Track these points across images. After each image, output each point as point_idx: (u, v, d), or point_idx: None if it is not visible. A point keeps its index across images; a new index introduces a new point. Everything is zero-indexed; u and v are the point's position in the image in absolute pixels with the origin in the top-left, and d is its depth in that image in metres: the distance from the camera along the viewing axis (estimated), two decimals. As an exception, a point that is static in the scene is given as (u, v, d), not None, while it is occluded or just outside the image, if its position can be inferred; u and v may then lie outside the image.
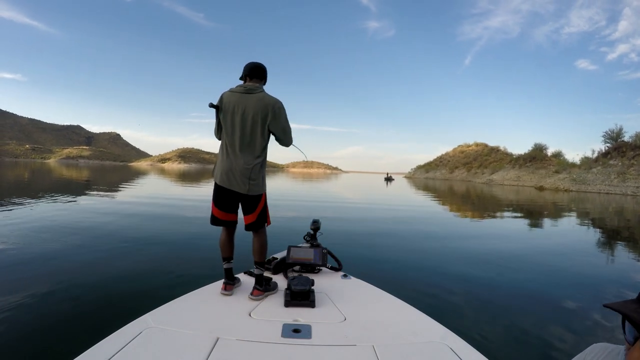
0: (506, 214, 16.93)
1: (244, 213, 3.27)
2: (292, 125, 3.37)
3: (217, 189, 3.24)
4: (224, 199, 3.22)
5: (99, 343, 2.12)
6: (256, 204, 3.24)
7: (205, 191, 21.86)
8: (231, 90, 3.23)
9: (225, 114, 3.17)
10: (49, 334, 3.22)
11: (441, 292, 4.96)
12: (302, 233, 4.42)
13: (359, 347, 2.30)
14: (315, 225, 4.33)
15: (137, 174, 50.41)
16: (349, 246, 7.46)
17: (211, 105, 3.19)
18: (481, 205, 21.97)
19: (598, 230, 12.59)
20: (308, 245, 4.18)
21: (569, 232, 11.97)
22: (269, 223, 3.40)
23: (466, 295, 4.93)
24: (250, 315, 2.73)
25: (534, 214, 16.82)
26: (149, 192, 21.28)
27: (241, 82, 3.36)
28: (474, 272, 5.95)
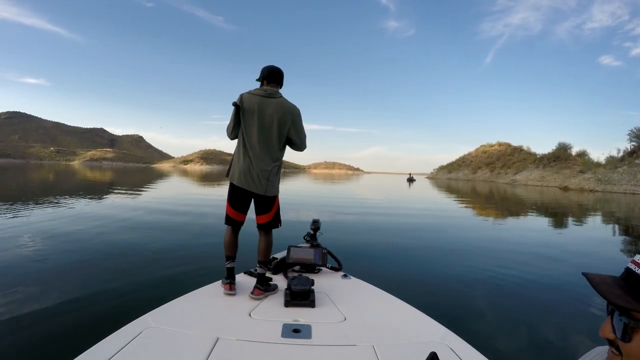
0: (526, 215, 16.58)
1: (258, 213, 3.32)
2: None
3: (233, 189, 3.29)
4: (239, 199, 3.28)
5: (99, 343, 2.12)
6: (272, 204, 3.32)
7: (217, 192, 21.95)
8: (250, 93, 3.27)
9: (245, 114, 3.20)
10: (48, 334, 3.23)
11: (442, 292, 4.95)
12: (302, 233, 4.41)
13: (359, 347, 2.29)
14: (315, 225, 4.31)
15: (160, 175, 50.88)
16: (349, 246, 7.44)
17: (235, 104, 3.21)
18: (502, 206, 21.48)
19: (625, 231, 12.24)
20: (308, 245, 4.17)
21: (594, 234, 11.55)
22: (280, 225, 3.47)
23: (467, 295, 4.91)
24: (250, 315, 2.73)
25: (557, 216, 16.41)
26: (167, 193, 21.32)
27: (258, 83, 3.42)
28: (477, 273, 5.92)
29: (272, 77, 3.33)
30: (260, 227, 3.32)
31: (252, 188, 3.19)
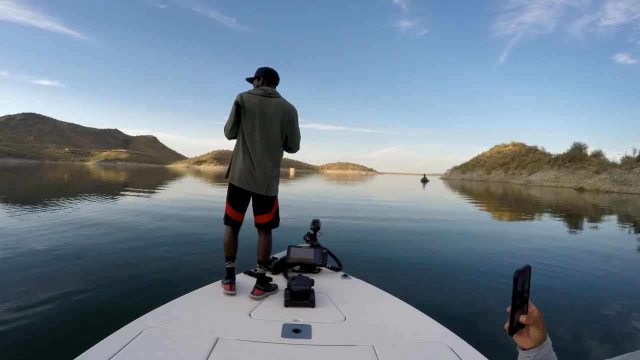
0: (540, 217, 16.05)
1: (258, 213, 3.32)
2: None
3: (233, 190, 3.29)
4: (239, 199, 3.28)
5: (99, 343, 2.13)
6: (272, 204, 3.33)
7: (224, 192, 21.91)
8: (250, 93, 3.28)
9: (247, 114, 3.21)
10: (48, 334, 3.23)
11: (442, 292, 4.94)
12: (302, 233, 4.42)
13: (359, 347, 2.29)
14: (315, 225, 4.32)
15: (173, 176, 50.78)
16: (349, 246, 7.43)
17: (236, 103, 3.21)
18: (517, 207, 20.88)
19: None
20: (308, 245, 4.18)
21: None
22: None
23: (468, 295, 4.88)
24: (250, 315, 2.73)
25: (572, 217, 15.76)
26: (174, 193, 21.15)
27: (249, 81, 3.47)
28: (479, 273, 5.91)
29: (269, 78, 3.36)
30: (260, 227, 3.32)
31: (253, 188, 3.20)
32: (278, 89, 3.44)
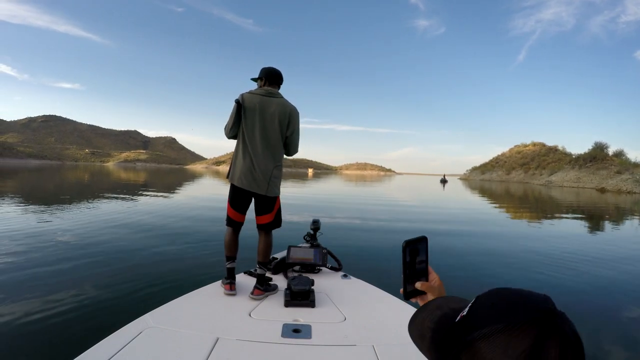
0: (560, 218, 15.63)
1: (259, 213, 3.31)
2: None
3: (235, 191, 3.28)
4: (240, 200, 3.27)
5: (99, 343, 2.13)
6: (273, 204, 3.32)
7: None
8: (251, 92, 3.27)
9: (247, 113, 3.20)
10: (48, 334, 3.23)
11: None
12: (302, 233, 4.41)
13: (359, 347, 2.29)
14: (315, 225, 4.32)
15: (192, 176, 50.66)
16: (349, 246, 7.38)
17: (236, 101, 3.21)
18: (535, 208, 20.54)
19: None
20: (308, 245, 4.17)
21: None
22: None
23: (468, 295, 4.70)
24: (250, 315, 2.73)
25: (593, 218, 15.45)
26: (179, 193, 20.82)
27: (253, 82, 3.47)
28: (478, 273, 5.88)
29: (272, 78, 3.35)
30: (260, 227, 3.31)
31: (253, 188, 3.19)
32: (287, 89, 3.44)
